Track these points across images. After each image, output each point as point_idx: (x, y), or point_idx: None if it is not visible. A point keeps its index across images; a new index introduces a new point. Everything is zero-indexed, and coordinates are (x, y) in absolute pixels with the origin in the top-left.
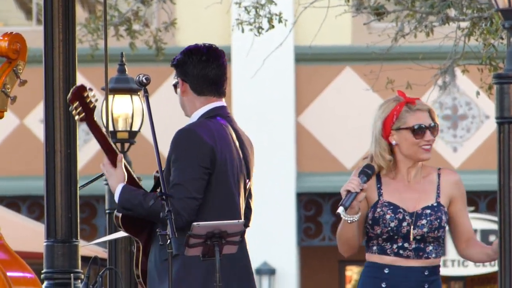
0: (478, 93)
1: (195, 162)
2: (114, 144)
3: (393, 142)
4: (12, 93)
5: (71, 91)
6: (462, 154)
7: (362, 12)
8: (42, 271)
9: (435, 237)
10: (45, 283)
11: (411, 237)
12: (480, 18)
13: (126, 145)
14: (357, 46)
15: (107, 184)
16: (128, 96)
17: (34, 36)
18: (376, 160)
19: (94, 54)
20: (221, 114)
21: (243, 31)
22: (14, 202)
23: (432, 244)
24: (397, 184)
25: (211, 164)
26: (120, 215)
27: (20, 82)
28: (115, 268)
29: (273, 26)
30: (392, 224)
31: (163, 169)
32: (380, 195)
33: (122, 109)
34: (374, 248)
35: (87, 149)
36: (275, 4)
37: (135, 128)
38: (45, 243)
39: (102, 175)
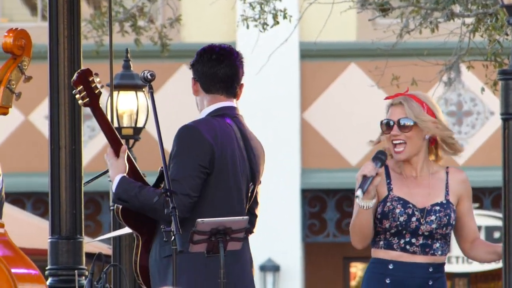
0: (483, 89)
1: (194, 160)
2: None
3: None
4: (17, 89)
5: (75, 73)
6: (467, 150)
7: (367, 8)
8: (47, 268)
9: (443, 234)
10: (50, 279)
11: (420, 232)
12: (485, 14)
13: (131, 141)
14: (362, 42)
15: (111, 180)
16: (133, 92)
17: (39, 32)
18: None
19: (99, 50)
20: (229, 114)
21: (248, 27)
22: (19, 199)
23: (439, 241)
24: (406, 179)
25: (210, 164)
26: (120, 207)
27: (25, 78)
28: (120, 265)
29: (278, 22)
30: (402, 219)
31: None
32: (390, 189)
33: (127, 105)
34: (381, 243)
35: (92, 146)
36: (280, 0)
37: (140, 124)
38: (49, 240)
39: (106, 172)
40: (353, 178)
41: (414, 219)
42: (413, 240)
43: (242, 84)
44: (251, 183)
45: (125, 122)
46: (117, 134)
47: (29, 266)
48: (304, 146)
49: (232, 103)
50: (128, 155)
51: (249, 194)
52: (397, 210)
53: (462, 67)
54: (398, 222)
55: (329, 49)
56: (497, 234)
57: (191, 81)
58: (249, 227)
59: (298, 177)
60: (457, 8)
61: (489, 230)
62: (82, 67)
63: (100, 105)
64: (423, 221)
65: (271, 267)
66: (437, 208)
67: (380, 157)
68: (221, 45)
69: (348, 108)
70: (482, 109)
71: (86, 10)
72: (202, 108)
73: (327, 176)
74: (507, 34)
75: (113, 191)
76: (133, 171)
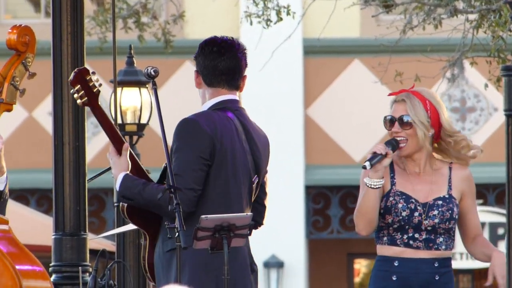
0: (486, 86)
1: (195, 153)
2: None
3: None
4: (21, 86)
5: (72, 73)
6: None
7: (371, 4)
8: (51, 264)
9: (446, 228)
10: (54, 276)
11: (423, 227)
12: (489, 10)
13: (135, 137)
14: (365, 39)
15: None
16: (136, 89)
17: (42, 28)
18: None
19: (102, 47)
20: (230, 107)
21: (251, 23)
22: (22, 195)
23: (442, 236)
24: (409, 175)
25: (211, 156)
26: (125, 205)
27: (29, 74)
28: (124, 261)
29: (281, 19)
30: (404, 214)
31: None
32: (393, 184)
33: (131, 101)
34: (385, 238)
35: (96, 142)
36: None
37: (143, 120)
38: (53, 236)
39: (110, 168)
40: (357, 174)
41: (416, 214)
42: (416, 235)
43: (245, 76)
44: (255, 175)
45: (129, 119)
46: (119, 132)
47: (33, 262)
48: (307, 142)
49: (234, 96)
50: (130, 152)
51: (254, 186)
52: (400, 205)
53: (465, 63)
54: (401, 217)
55: (332, 46)
56: (501, 231)
57: (193, 74)
58: (258, 220)
59: (302, 174)
60: (460, 4)
61: (493, 226)
62: (86, 64)
63: (102, 103)
64: (425, 216)
65: (275, 264)
66: (440, 202)
67: (392, 143)
68: (223, 37)
69: (352, 104)
70: (485, 105)
71: (89, 7)
72: (204, 101)
73: (331, 173)
74: (510, 30)
75: (117, 189)
76: (136, 168)
